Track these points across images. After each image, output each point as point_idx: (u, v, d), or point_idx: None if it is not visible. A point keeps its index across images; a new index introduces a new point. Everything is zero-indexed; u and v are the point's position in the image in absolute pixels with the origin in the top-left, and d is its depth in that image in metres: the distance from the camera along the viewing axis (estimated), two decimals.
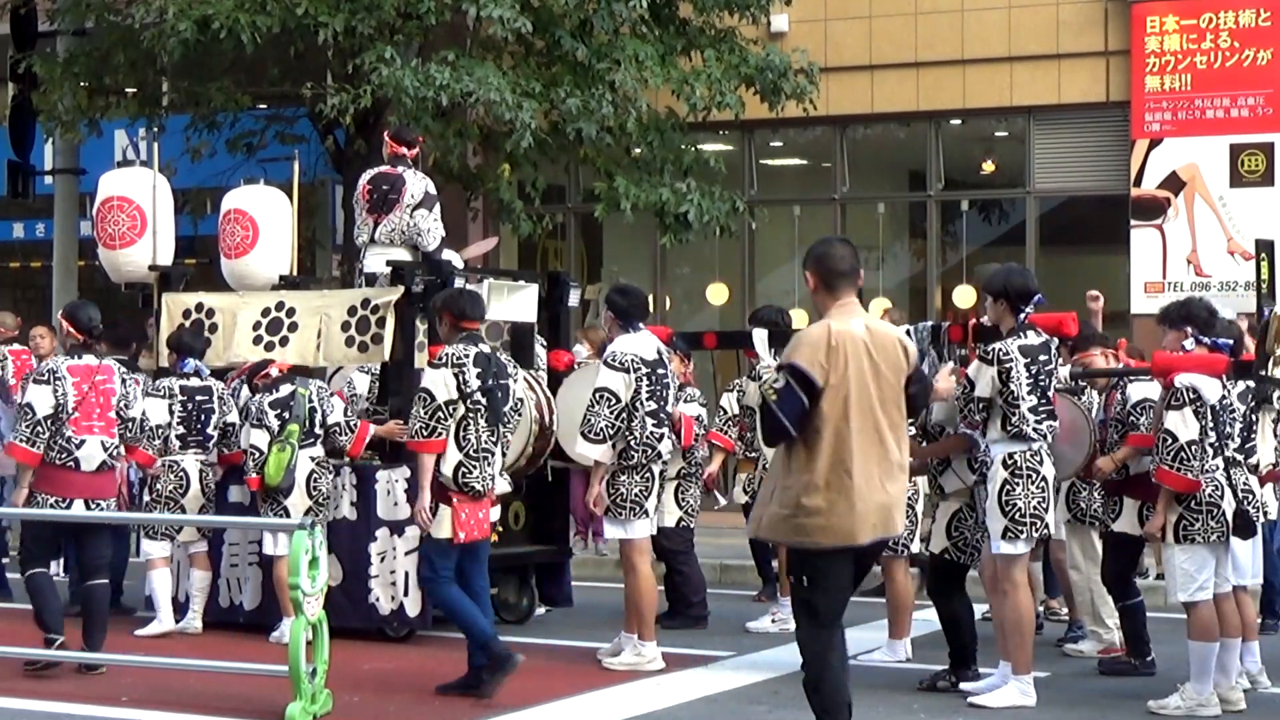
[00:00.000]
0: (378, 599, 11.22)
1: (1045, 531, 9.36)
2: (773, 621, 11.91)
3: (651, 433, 10.24)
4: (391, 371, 11.71)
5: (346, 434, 11.13)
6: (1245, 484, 9.25)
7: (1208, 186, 17.30)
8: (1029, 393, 9.20)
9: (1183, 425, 8.94)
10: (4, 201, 21.27)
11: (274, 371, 11.15)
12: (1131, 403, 10.13)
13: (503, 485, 9.73)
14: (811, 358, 7.14)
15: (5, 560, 13.47)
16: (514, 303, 11.96)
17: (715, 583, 13.49)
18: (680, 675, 10.18)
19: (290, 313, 11.86)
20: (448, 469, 9.38)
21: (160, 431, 11.40)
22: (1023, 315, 9.34)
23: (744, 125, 18.25)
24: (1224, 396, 9.16)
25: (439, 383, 9.36)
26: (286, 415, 10.92)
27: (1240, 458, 9.30)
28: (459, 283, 11.73)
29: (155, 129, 17.12)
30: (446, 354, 9.44)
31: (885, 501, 7.18)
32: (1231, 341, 9.35)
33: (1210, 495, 9.02)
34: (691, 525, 12.20)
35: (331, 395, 11.21)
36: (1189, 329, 9.33)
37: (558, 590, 12.35)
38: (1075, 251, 19.57)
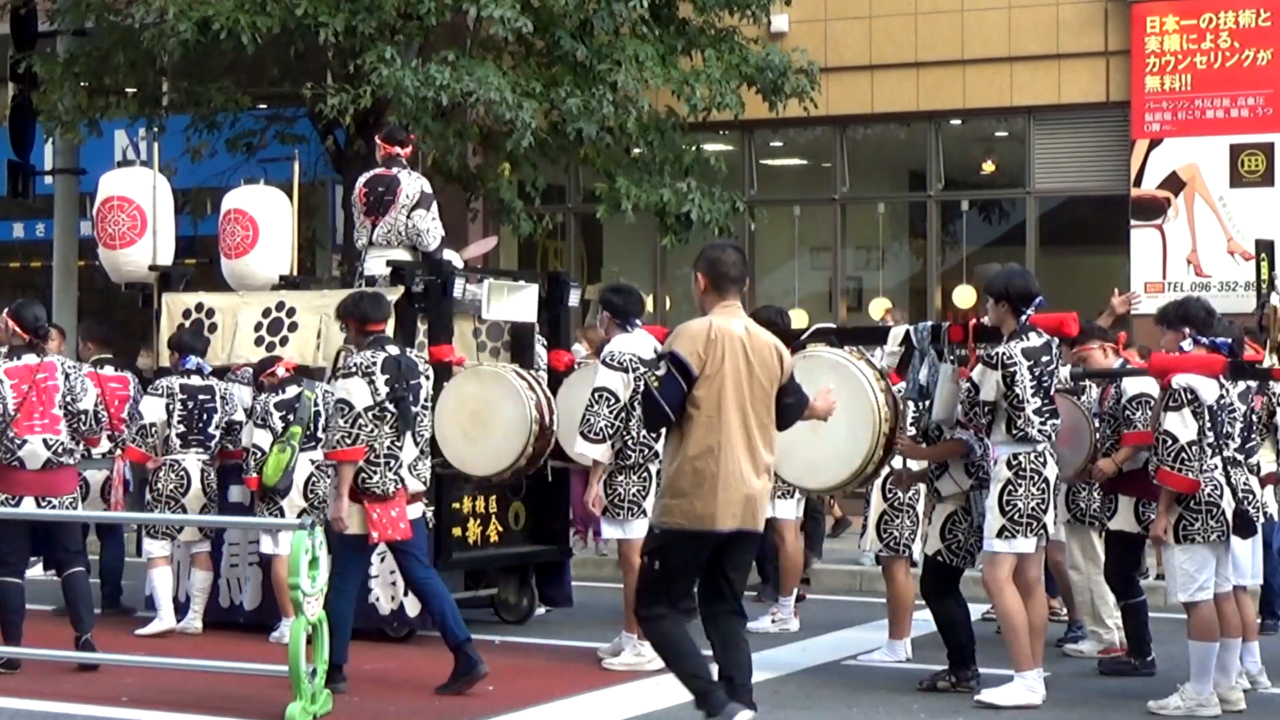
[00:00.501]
0: (378, 599, 11.22)
1: (1045, 531, 9.36)
2: (772, 622, 11.91)
3: (649, 432, 10.24)
4: None
5: None
6: (1245, 484, 9.24)
7: (1208, 187, 17.31)
8: (1034, 395, 9.20)
9: (1182, 426, 8.94)
10: (4, 201, 21.27)
11: (281, 371, 11.12)
12: (1127, 397, 10.14)
13: (415, 484, 9.67)
14: (690, 348, 7.58)
15: None
16: (514, 303, 11.96)
17: None
18: None
19: (290, 313, 11.86)
20: (351, 473, 9.40)
21: (154, 430, 11.40)
22: (1024, 317, 9.34)
23: (744, 125, 18.26)
24: (1222, 396, 9.16)
25: (354, 391, 9.40)
26: (291, 417, 10.91)
27: (1240, 457, 9.30)
28: (459, 283, 11.74)
29: (155, 129, 17.11)
30: (356, 362, 9.48)
31: (750, 494, 7.60)
32: (1230, 341, 9.34)
33: (1210, 495, 9.01)
34: None
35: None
36: (1187, 329, 9.33)
37: (558, 590, 12.34)
38: (1075, 252, 19.58)
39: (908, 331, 9.93)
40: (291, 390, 11.02)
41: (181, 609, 11.66)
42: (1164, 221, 17.45)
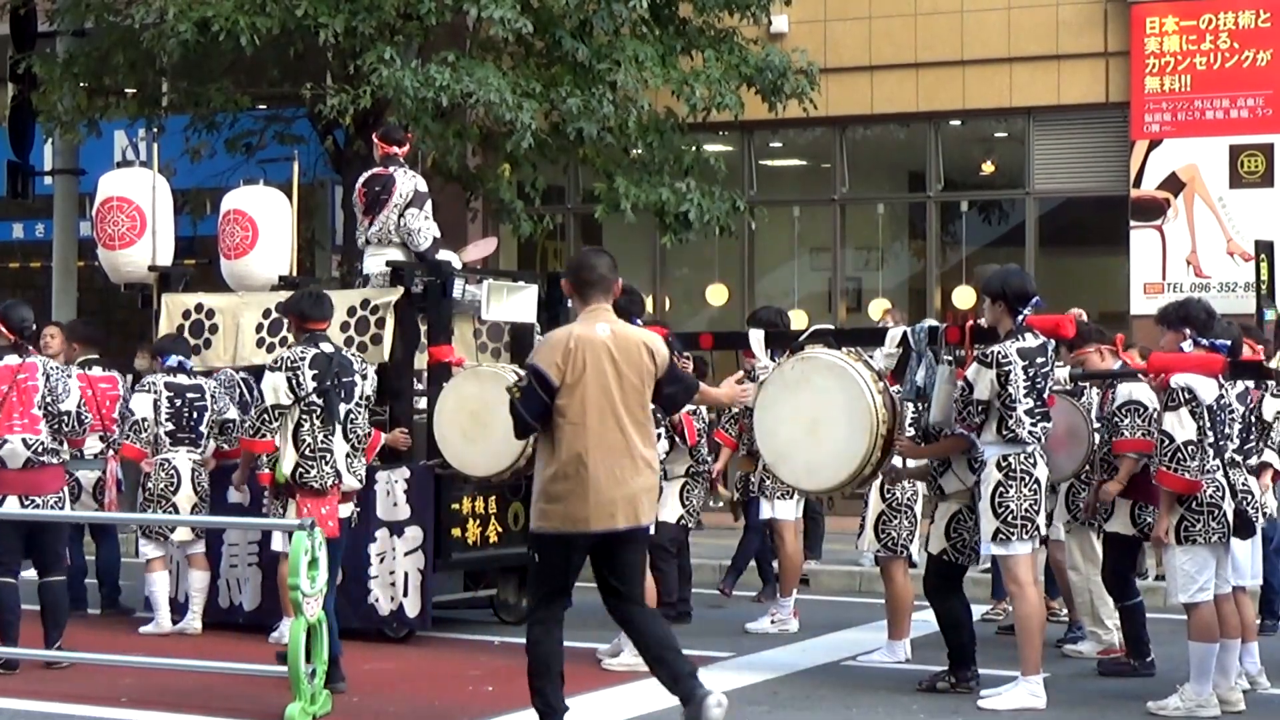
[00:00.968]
0: (377, 600, 11.23)
1: (1038, 533, 9.36)
2: (772, 622, 11.92)
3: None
4: (391, 373, 11.70)
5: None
6: (1244, 484, 9.25)
7: (1207, 187, 17.31)
8: (1026, 395, 9.20)
9: (1179, 426, 8.93)
10: (4, 202, 21.26)
11: None
12: (1116, 404, 10.15)
13: (351, 482, 9.78)
14: (549, 359, 7.84)
15: None
16: (514, 303, 11.96)
17: (715, 583, 13.49)
18: None
19: None
20: (288, 468, 9.61)
21: (145, 425, 11.40)
22: (1021, 317, 9.35)
23: (744, 125, 18.26)
24: (1221, 396, 9.16)
25: (269, 387, 9.66)
26: None
27: (1239, 458, 9.30)
28: (459, 284, 11.75)
29: (155, 129, 17.11)
30: (283, 357, 9.75)
31: (627, 493, 7.84)
32: (1229, 342, 9.34)
33: (1211, 496, 9.01)
34: (690, 525, 12.19)
35: None
36: (1187, 330, 9.33)
37: None
38: (1075, 252, 19.57)
39: (905, 333, 9.93)
40: None
41: (180, 610, 11.67)
42: (1163, 222, 17.45)
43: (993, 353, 9.25)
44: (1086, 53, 17.92)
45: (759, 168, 19.56)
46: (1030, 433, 9.23)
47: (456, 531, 11.52)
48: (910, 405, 9.92)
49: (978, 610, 10.85)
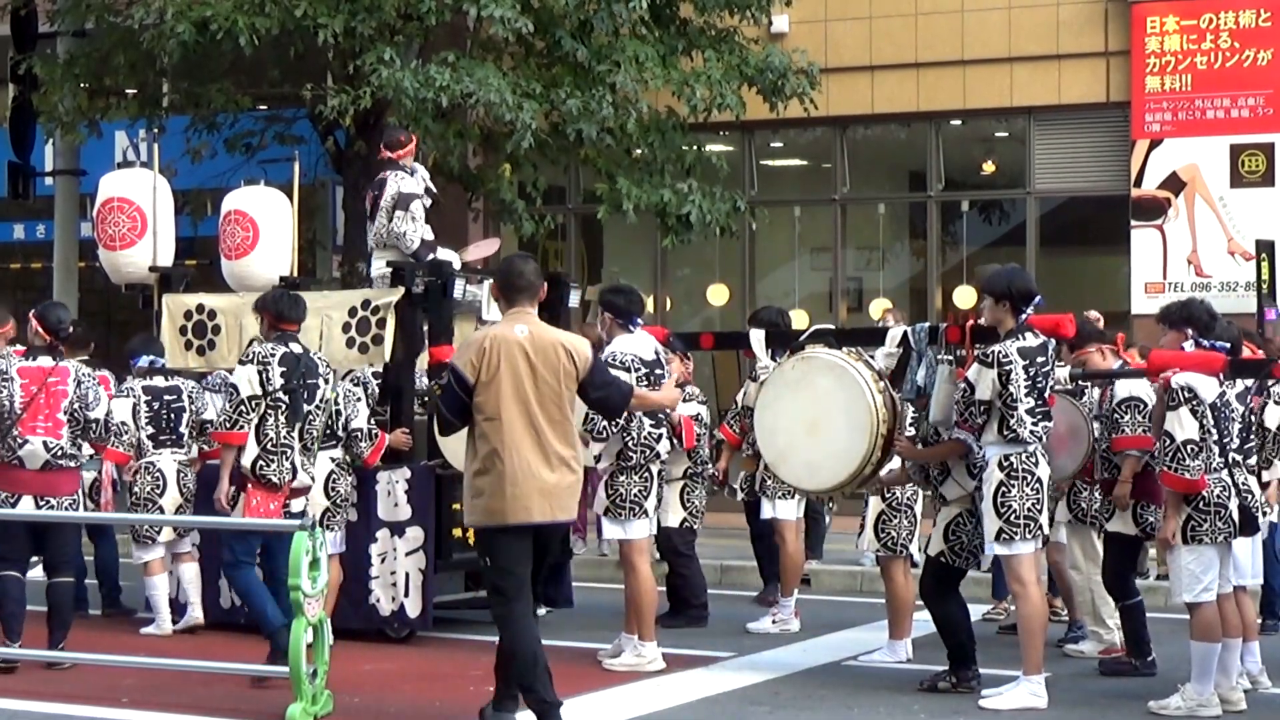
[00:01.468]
0: (378, 600, 11.23)
1: (1041, 532, 9.36)
2: (773, 622, 11.92)
3: (649, 433, 10.26)
4: (392, 373, 11.71)
5: (367, 441, 11.10)
6: (1244, 483, 9.24)
7: (1208, 187, 17.30)
8: (1027, 395, 9.20)
9: (1179, 426, 8.92)
10: (4, 203, 21.26)
11: None
12: (1116, 401, 10.14)
13: (304, 479, 10.01)
14: (465, 358, 8.21)
15: None
16: None
17: (715, 583, 13.49)
18: (681, 676, 10.19)
19: None
20: (247, 460, 9.88)
21: (125, 429, 11.38)
22: (1023, 317, 9.35)
23: (744, 126, 18.25)
24: (1222, 394, 9.15)
25: (244, 379, 9.89)
26: None
27: (1239, 458, 9.29)
28: (459, 284, 11.75)
29: (155, 130, 17.10)
30: (254, 352, 10.00)
31: (543, 487, 8.14)
32: (1229, 344, 9.34)
33: (1219, 496, 9.00)
34: (695, 527, 12.19)
35: (357, 400, 11.18)
36: (1189, 330, 9.32)
37: (558, 591, 12.33)
38: (1075, 252, 19.56)
39: (905, 333, 9.93)
40: None
41: (181, 610, 11.66)
42: (1164, 222, 17.45)
43: (994, 352, 9.24)
44: (1087, 52, 17.91)
45: (760, 168, 19.55)
46: (1031, 432, 9.23)
47: (458, 532, 11.50)
48: (910, 406, 9.91)
49: (978, 610, 10.86)
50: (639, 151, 16.85)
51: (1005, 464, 9.24)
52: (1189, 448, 8.89)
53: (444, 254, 12.10)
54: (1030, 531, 9.26)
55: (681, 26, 17.04)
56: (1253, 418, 9.76)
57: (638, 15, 15.91)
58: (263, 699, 9.08)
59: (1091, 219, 18.90)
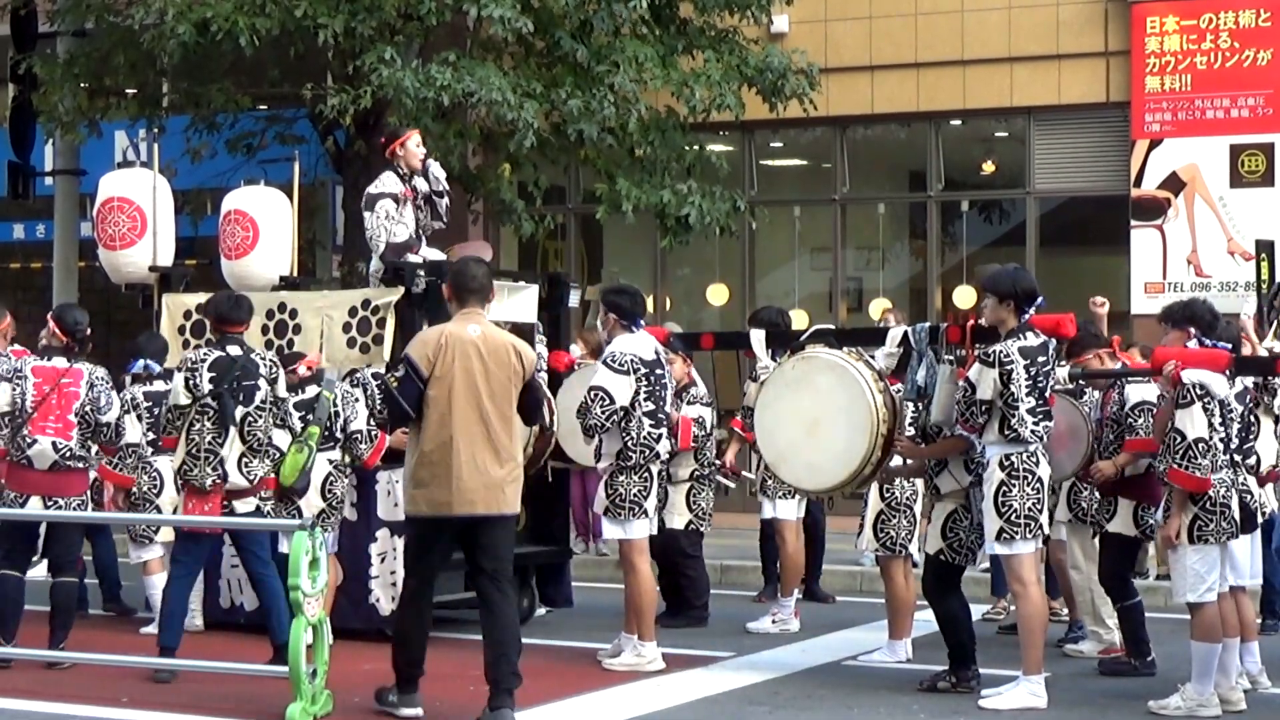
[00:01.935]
0: (378, 600, 11.22)
1: (1041, 532, 9.36)
2: (773, 622, 11.92)
3: (649, 433, 10.26)
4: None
5: (367, 443, 11.09)
6: (1243, 483, 9.25)
7: (1208, 187, 17.30)
8: (1028, 394, 9.20)
9: (1190, 424, 8.90)
10: (4, 203, 21.26)
11: (302, 370, 11.08)
12: (1130, 404, 10.13)
13: (238, 480, 9.98)
14: (421, 352, 8.56)
15: None
16: (514, 303, 11.97)
17: (715, 583, 13.48)
18: (680, 676, 10.19)
19: (293, 314, 11.88)
20: (175, 465, 10.10)
21: (133, 451, 11.28)
22: (1025, 316, 9.34)
23: (744, 126, 18.25)
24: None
25: (175, 387, 10.08)
26: (310, 417, 10.87)
27: (1239, 458, 9.29)
28: None
29: (155, 130, 17.11)
30: (185, 358, 10.17)
31: (488, 481, 8.49)
32: (1230, 344, 9.34)
33: (1223, 496, 9.00)
34: (702, 529, 12.18)
35: (356, 401, 11.18)
36: (1191, 329, 9.32)
37: (558, 591, 12.35)
38: (1075, 252, 19.56)
39: (906, 333, 9.93)
40: (310, 390, 10.97)
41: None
42: (1164, 222, 17.45)
43: (995, 352, 9.24)
44: (1087, 52, 17.91)
45: (759, 168, 19.55)
46: (1033, 431, 9.23)
47: None
48: (910, 405, 9.92)
49: (978, 610, 10.85)
50: (640, 151, 16.84)
51: (1006, 463, 9.24)
52: (1199, 446, 8.88)
53: (431, 253, 12.06)
54: (1031, 531, 9.26)
55: (681, 26, 17.04)
56: (1252, 418, 9.76)
57: (637, 15, 15.91)
58: (263, 699, 9.08)
59: (1091, 219, 18.90)
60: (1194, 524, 8.98)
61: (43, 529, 10.63)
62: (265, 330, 11.92)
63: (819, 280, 19.87)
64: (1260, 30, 17.18)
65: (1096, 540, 10.59)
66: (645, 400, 10.21)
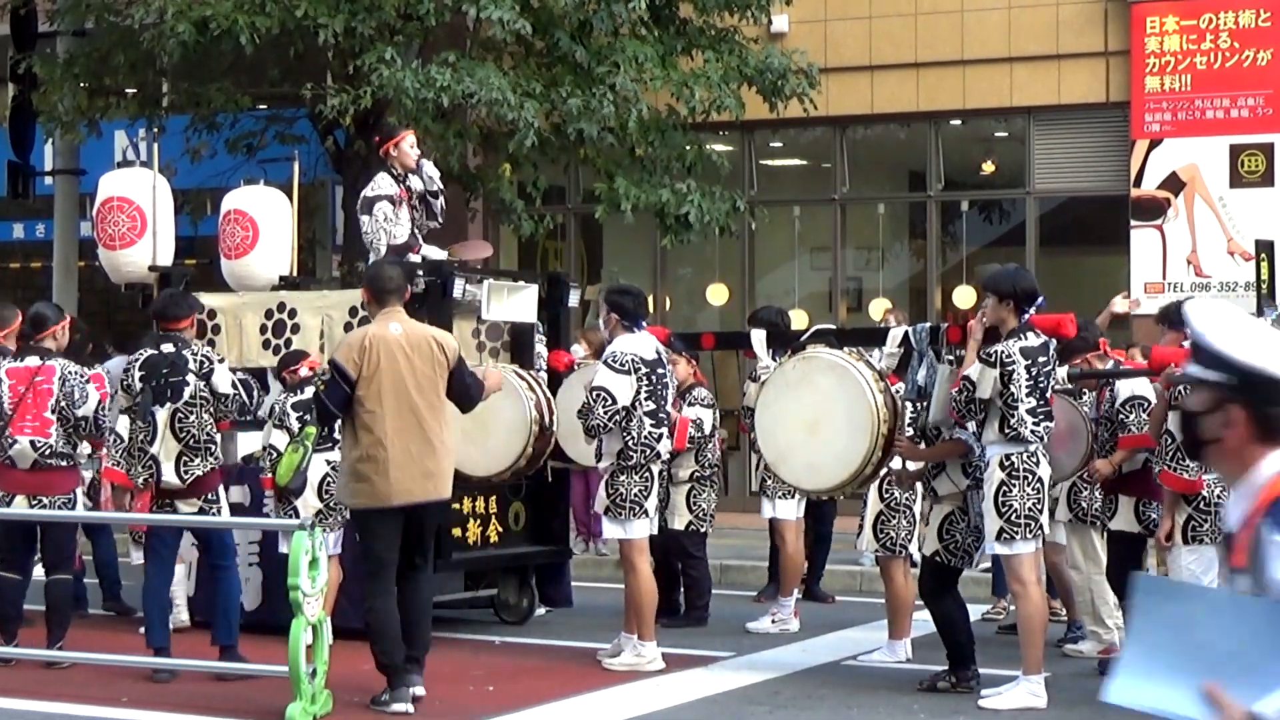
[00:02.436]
0: None
1: (1041, 532, 9.36)
2: (773, 622, 11.92)
3: (650, 433, 10.26)
4: None
5: None
6: None
7: (1208, 187, 17.30)
8: (1028, 394, 9.20)
9: (1178, 425, 8.92)
10: (4, 202, 21.26)
11: (304, 370, 11.06)
12: (1121, 400, 10.13)
13: (170, 479, 9.95)
14: (347, 355, 8.95)
15: None
16: (514, 303, 11.96)
17: (715, 583, 13.47)
18: (680, 676, 10.19)
19: (293, 314, 11.88)
20: (109, 462, 10.27)
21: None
22: (1025, 316, 9.34)
23: (744, 126, 18.25)
24: None
25: (117, 389, 10.26)
26: (308, 417, 10.85)
27: None
28: (459, 283, 11.74)
29: (155, 130, 17.09)
30: (126, 359, 10.36)
31: (423, 471, 8.92)
32: None
33: (1218, 496, 9.00)
34: (704, 530, 12.17)
35: None
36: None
37: (558, 591, 12.35)
38: (1075, 252, 19.57)
39: (906, 333, 9.93)
40: (309, 390, 10.96)
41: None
42: (1164, 222, 17.45)
43: (996, 352, 9.24)
44: (1087, 52, 17.91)
45: (759, 168, 19.55)
46: (1033, 431, 9.23)
47: (457, 531, 11.52)
48: (910, 405, 9.92)
49: (977, 610, 10.85)
50: (640, 151, 16.84)
51: (1006, 463, 9.24)
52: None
53: (432, 251, 12.06)
54: (1031, 531, 9.26)
55: (681, 27, 17.03)
56: None
57: (637, 15, 15.91)
58: (263, 699, 9.08)
59: (1091, 219, 18.90)
60: (1188, 524, 8.98)
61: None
62: (265, 330, 11.93)
63: (819, 280, 19.87)
64: (1260, 30, 17.18)
65: (1101, 539, 10.58)
66: (646, 400, 10.21)
